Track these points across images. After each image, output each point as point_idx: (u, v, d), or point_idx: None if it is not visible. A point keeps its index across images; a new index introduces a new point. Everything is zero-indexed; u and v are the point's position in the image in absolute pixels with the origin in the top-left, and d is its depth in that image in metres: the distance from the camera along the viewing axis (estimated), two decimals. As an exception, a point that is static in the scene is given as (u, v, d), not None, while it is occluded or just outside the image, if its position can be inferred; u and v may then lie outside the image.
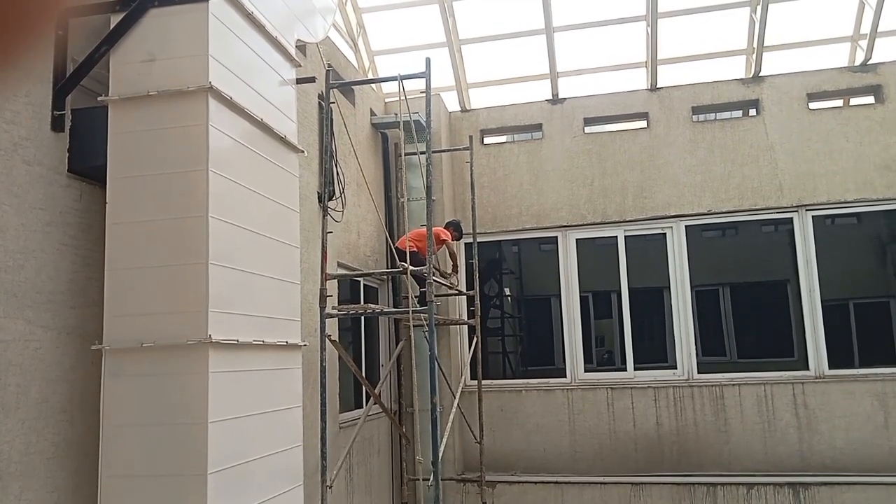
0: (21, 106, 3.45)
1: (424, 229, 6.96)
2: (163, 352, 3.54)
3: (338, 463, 6.10)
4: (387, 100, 9.17)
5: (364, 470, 7.31)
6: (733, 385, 8.44)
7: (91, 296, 3.74)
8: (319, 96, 6.48)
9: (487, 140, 9.76)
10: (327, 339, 5.75)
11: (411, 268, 5.90)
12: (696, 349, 8.71)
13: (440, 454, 5.73)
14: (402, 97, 5.98)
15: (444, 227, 8.01)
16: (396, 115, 8.16)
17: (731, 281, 9.11)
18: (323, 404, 5.64)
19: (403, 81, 5.96)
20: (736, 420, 8.36)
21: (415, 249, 6.91)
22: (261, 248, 4.18)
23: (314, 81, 5.65)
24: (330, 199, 6.19)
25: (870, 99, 8.74)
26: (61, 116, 3.67)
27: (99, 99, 3.76)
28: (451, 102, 9.63)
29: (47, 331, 3.50)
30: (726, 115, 9.16)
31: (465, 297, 8.86)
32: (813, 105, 8.79)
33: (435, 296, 5.83)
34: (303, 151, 4.91)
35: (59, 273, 3.61)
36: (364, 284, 7.99)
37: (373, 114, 8.52)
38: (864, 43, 8.60)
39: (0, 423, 3.20)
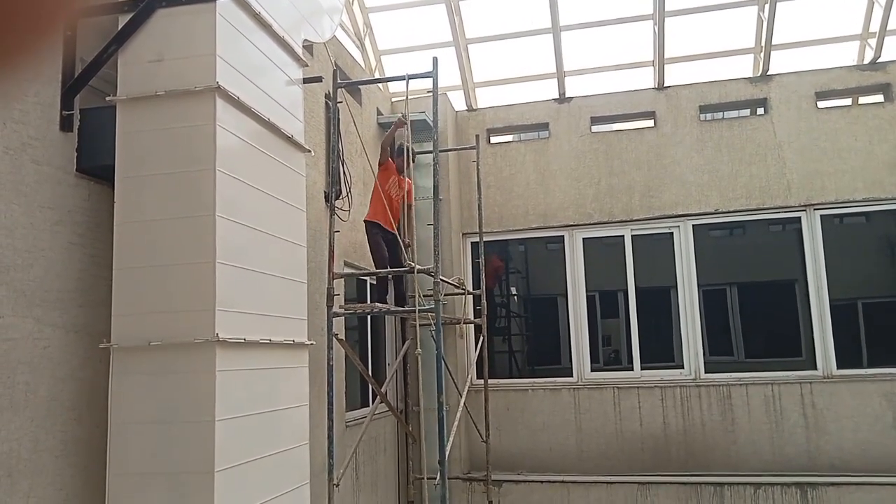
0: (30, 106, 3.47)
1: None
2: (170, 350, 3.56)
3: (344, 461, 6.11)
4: (393, 99, 9.17)
5: (370, 468, 7.33)
6: (740, 385, 8.41)
7: (99, 294, 3.76)
8: (326, 96, 6.49)
9: (494, 139, 9.75)
10: (334, 338, 5.77)
11: (417, 266, 5.90)
12: (704, 349, 8.68)
13: (446, 453, 5.73)
14: (408, 97, 5.98)
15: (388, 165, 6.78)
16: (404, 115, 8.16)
17: (738, 280, 9.08)
18: (330, 403, 5.65)
19: (410, 81, 5.96)
20: (743, 420, 8.33)
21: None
22: (268, 247, 4.19)
23: (321, 81, 5.65)
24: (337, 198, 6.20)
25: (879, 97, 8.69)
26: (70, 116, 3.69)
27: (107, 99, 3.78)
28: (458, 102, 9.62)
29: (56, 329, 3.52)
30: (734, 113, 9.12)
31: (471, 296, 8.86)
32: (821, 104, 8.74)
33: (444, 295, 5.83)
34: (310, 151, 4.93)
35: (68, 272, 3.63)
36: (370, 283, 8.00)
37: (379, 113, 8.53)
38: (873, 41, 8.55)
39: (9, 420, 3.22)
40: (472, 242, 9.26)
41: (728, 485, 7.99)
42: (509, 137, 9.83)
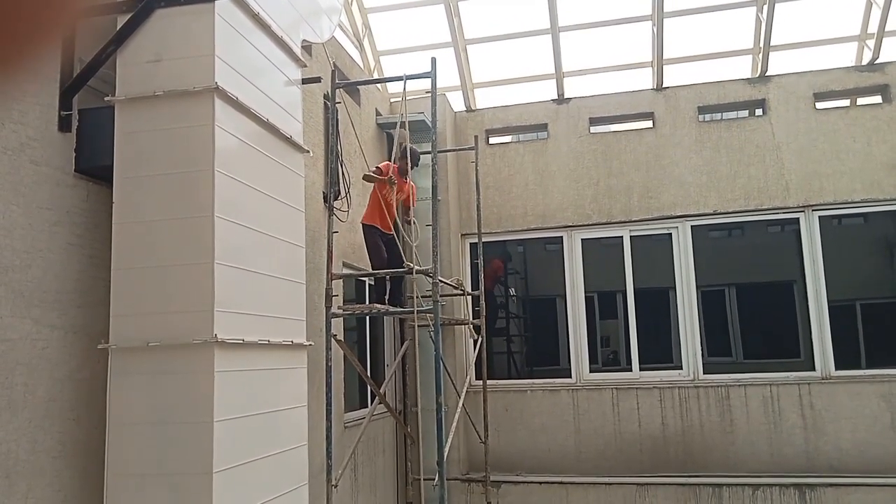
0: (28, 106, 3.46)
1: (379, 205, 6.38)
2: (169, 351, 3.55)
3: (343, 462, 6.10)
4: (392, 100, 9.17)
5: (369, 469, 7.32)
6: (739, 386, 8.41)
7: (98, 295, 3.75)
8: (325, 96, 6.49)
9: (493, 140, 9.75)
10: (333, 339, 5.76)
11: (416, 267, 5.89)
12: (702, 350, 8.69)
13: (445, 454, 5.73)
14: (406, 97, 5.98)
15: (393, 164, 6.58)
16: (402, 115, 8.17)
17: (736, 281, 9.08)
18: (328, 404, 5.64)
19: (409, 81, 5.96)
20: (741, 421, 8.33)
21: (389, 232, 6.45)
22: (266, 248, 4.19)
23: (320, 81, 5.65)
24: (335, 198, 6.20)
25: (877, 98, 8.70)
26: (68, 116, 3.68)
27: (106, 99, 3.78)
28: (457, 102, 9.62)
29: (54, 330, 3.52)
30: (732, 114, 9.13)
31: (470, 297, 8.85)
32: (820, 105, 8.75)
33: (441, 296, 5.83)
34: (308, 151, 4.92)
35: (66, 272, 3.62)
36: (369, 284, 7.99)
37: (378, 114, 8.53)
38: (871, 42, 8.56)
39: (7, 421, 3.21)
40: (470, 243, 9.26)
41: (726, 486, 7.99)
42: (508, 138, 9.83)
